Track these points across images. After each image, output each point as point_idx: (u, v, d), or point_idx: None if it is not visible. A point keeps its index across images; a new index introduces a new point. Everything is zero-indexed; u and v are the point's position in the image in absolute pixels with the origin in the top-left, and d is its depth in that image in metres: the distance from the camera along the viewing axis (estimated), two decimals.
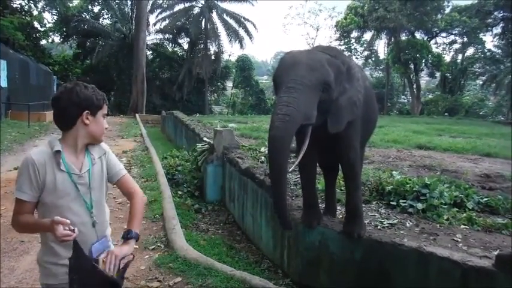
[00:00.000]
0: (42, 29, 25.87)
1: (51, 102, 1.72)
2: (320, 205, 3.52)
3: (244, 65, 35.80)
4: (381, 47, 62.68)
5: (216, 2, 31.85)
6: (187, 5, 31.90)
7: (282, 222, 2.81)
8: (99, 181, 1.79)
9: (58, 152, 1.66)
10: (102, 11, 32.95)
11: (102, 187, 1.81)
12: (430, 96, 41.39)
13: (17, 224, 1.71)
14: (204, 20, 31.29)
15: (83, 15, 30.75)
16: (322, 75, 2.60)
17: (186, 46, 33.91)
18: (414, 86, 35.18)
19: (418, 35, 35.30)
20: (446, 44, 37.40)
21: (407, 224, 3.33)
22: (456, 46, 37.25)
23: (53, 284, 1.71)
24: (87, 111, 1.69)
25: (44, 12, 27.37)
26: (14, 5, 22.32)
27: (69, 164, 1.69)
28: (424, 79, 42.33)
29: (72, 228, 1.55)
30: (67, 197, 1.68)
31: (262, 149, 6.47)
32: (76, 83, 1.71)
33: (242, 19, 31.96)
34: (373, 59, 41.57)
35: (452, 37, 36.44)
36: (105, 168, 1.82)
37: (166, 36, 32.69)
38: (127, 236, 1.75)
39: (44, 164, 1.64)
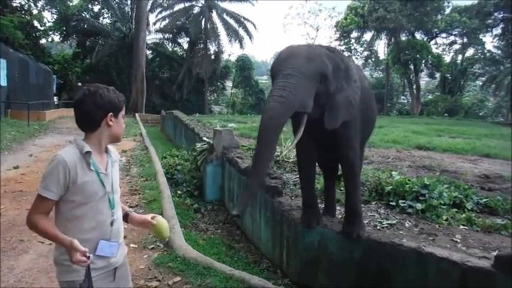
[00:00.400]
0: (42, 28, 25.81)
1: (74, 104, 1.73)
2: (319, 205, 3.52)
3: (244, 65, 35.82)
4: (381, 48, 62.76)
5: (216, 1, 31.86)
6: (187, 4, 31.92)
7: (243, 202, 2.59)
8: (116, 182, 1.87)
9: (88, 152, 1.70)
10: (102, 10, 32.93)
11: (118, 188, 1.88)
12: (429, 97, 41.42)
13: (33, 224, 1.68)
14: (204, 19, 31.30)
15: (83, 15, 30.71)
16: (320, 66, 2.62)
17: (185, 46, 33.95)
18: (414, 86, 35.20)
19: (418, 36, 35.32)
20: (446, 45, 37.45)
21: (407, 224, 3.33)
22: (456, 47, 37.30)
23: (74, 280, 1.70)
24: (111, 113, 1.73)
25: (44, 11, 27.33)
26: (14, 4, 22.30)
27: (96, 163, 1.74)
28: (423, 80, 42.35)
29: (88, 255, 1.59)
30: (95, 196, 1.73)
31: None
32: (98, 86, 1.75)
33: (242, 19, 31.98)
34: (373, 59, 41.57)
35: (452, 38, 36.49)
36: (119, 172, 1.93)
37: (166, 35, 32.71)
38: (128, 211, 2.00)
39: (75, 165, 1.67)
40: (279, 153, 6.24)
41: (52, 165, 1.66)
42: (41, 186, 1.67)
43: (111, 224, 1.79)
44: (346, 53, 29.68)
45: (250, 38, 32.34)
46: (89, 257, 1.60)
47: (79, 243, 1.62)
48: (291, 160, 6.05)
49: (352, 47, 39.18)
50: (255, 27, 32.51)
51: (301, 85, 2.53)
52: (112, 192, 1.80)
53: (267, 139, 2.51)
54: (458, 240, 2.95)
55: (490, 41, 63.48)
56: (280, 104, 2.47)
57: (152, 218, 1.96)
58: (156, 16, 31.73)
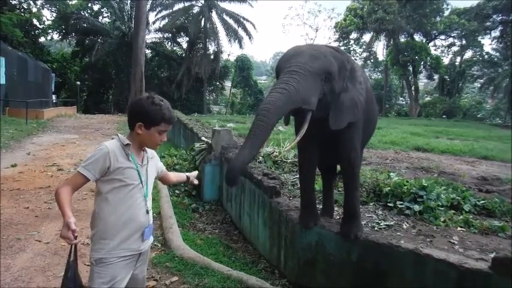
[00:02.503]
0: (41, 26, 25.80)
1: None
2: (317, 206, 3.52)
3: (243, 65, 35.81)
4: (380, 49, 62.97)
5: (215, 1, 31.84)
6: (186, 4, 31.90)
7: (231, 173, 2.41)
8: (151, 177, 2.10)
9: (128, 145, 1.95)
10: (102, 9, 32.91)
11: (152, 182, 2.12)
12: (428, 99, 41.53)
13: (58, 191, 1.86)
14: (203, 19, 31.29)
15: (82, 13, 30.69)
16: (325, 64, 2.61)
17: (185, 45, 33.92)
18: (412, 88, 35.28)
19: (417, 37, 35.42)
20: (445, 47, 37.59)
21: (404, 226, 3.33)
22: (455, 49, 37.45)
23: (101, 257, 1.91)
24: (140, 123, 1.92)
25: (43, 9, 27.33)
26: (13, 2, 22.26)
27: (134, 156, 1.98)
28: (422, 81, 42.48)
29: (76, 235, 1.77)
30: (132, 185, 1.95)
31: (260, 149, 6.46)
32: (150, 96, 1.94)
33: (242, 19, 31.99)
34: (372, 60, 41.66)
35: (451, 40, 36.63)
36: (154, 167, 2.16)
37: (166, 35, 32.68)
38: (187, 175, 2.50)
39: (116, 153, 1.90)
40: (277, 153, 6.23)
41: (97, 150, 1.90)
42: (81, 165, 1.89)
43: (147, 212, 2.02)
44: None
45: (249, 38, 32.41)
46: (76, 237, 1.77)
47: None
48: (289, 160, 6.05)
49: (351, 48, 39.24)
50: (254, 27, 32.59)
51: (305, 81, 2.51)
52: (146, 183, 2.02)
53: (263, 121, 2.40)
54: (456, 242, 2.95)
55: (488, 43, 63.65)
56: (281, 95, 2.45)
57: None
58: (156, 15, 31.78)
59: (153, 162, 2.14)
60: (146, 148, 2.08)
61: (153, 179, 2.16)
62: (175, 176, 2.50)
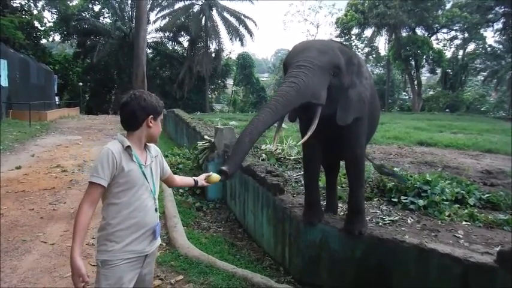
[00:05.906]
0: (43, 28, 25.88)
1: (121, 106, 1.96)
2: (321, 202, 3.52)
3: (245, 63, 35.76)
4: (382, 44, 62.68)
5: None
6: (187, 3, 31.93)
7: (234, 161, 2.42)
8: (156, 175, 2.10)
9: (128, 147, 1.93)
10: (103, 10, 32.98)
11: (158, 180, 2.13)
12: (431, 93, 41.34)
13: (80, 211, 1.85)
14: (204, 17, 31.27)
15: (83, 14, 30.76)
16: (333, 59, 2.61)
17: (186, 44, 33.94)
18: (415, 82, 35.14)
19: (419, 31, 35.24)
20: (447, 40, 37.40)
21: (409, 221, 3.32)
22: (457, 42, 37.26)
23: (107, 259, 1.90)
24: (151, 116, 1.96)
25: (44, 11, 27.38)
26: (14, 4, 22.34)
27: (138, 156, 1.97)
28: (425, 75, 42.29)
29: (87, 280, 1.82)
30: (137, 184, 1.95)
31: (263, 147, 6.46)
32: (143, 91, 2.00)
33: (242, 17, 31.94)
34: (374, 55, 41.48)
35: (453, 33, 36.43)
36: (159, 165, 2.15)
37: (167, 34, 32.69)
38: (194, 179, 2.41)
39: (120, 155, 1.89)
40: (280, 150, 6.23)
41: (101, 155, 1.88)
42: (91, 174, 1.87)
43: (156, 210, 2.04)
44: None
45: (250, 35, 32.41)
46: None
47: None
48: (293, 157, 6.05)
49: (353, 44, 39.09)
50: (255, 24, 32.60)
51: (314, 75, 2.51)
52: (152, 182, 2.02)
53: (272, 107, 2.41)
54: (461, 236, 2.94)
55: (491, 36, 63.41)
56: (290, 88, 2.45)
57: (205, 178, 2.39)
58: (156, 15, 31.82)
59: (157, 161, 2.13)
60: (150, 147, 2.07)
61: (159, 178, 2.14)
62: (181, 180, 2.44)
